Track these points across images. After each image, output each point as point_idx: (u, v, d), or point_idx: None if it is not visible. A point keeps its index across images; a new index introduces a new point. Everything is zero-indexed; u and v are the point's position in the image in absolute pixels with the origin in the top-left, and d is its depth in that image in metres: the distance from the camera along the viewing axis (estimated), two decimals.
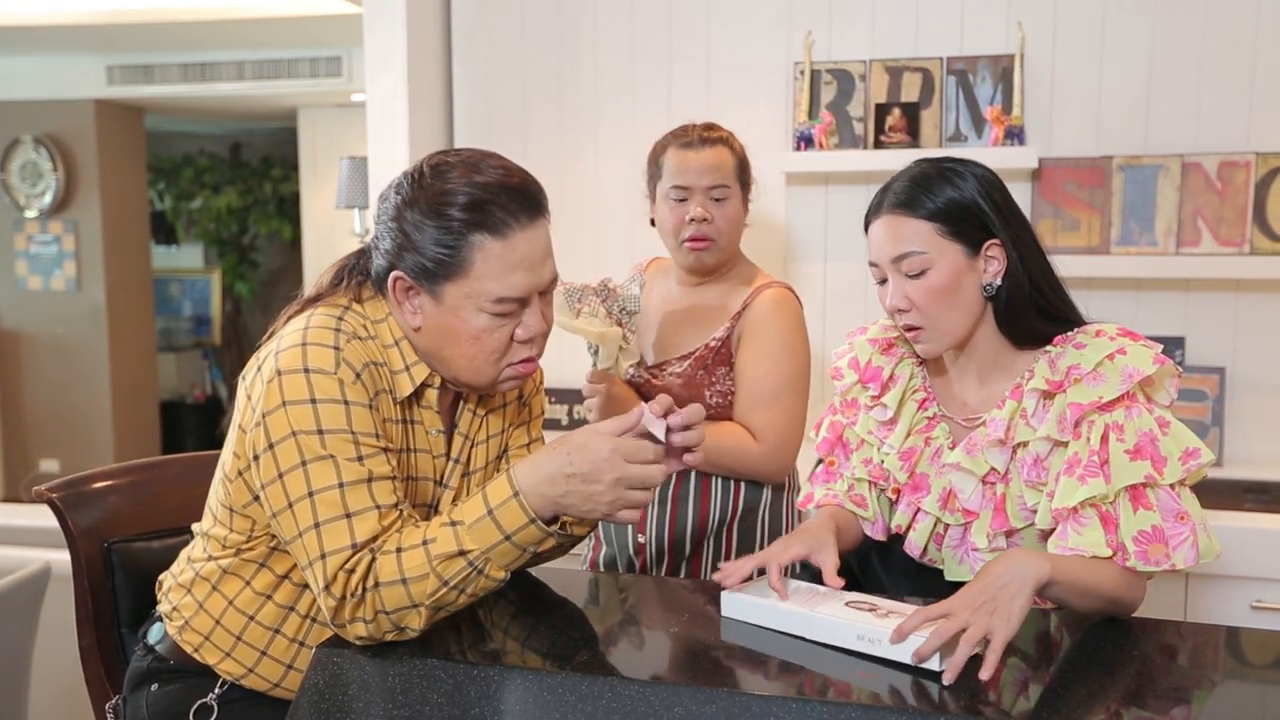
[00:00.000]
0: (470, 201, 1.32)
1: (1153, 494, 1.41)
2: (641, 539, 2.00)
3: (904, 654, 1.22)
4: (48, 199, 5.91)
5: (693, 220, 1.96)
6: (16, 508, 2.98)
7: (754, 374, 1.96)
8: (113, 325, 6.01)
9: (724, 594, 1.39)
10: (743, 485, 2.00)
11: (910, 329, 1.53)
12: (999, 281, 1.50)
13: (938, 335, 1.52)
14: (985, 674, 1.18)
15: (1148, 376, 1.45)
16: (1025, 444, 1.50)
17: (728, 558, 1.99)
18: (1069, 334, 1.52)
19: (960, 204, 1.49)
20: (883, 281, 1.55)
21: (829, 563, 1.44)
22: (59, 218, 5.95)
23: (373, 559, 1.27)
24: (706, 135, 2.01)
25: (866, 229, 1.57)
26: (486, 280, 1.33)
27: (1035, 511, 1.49)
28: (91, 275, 5.96)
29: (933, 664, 1.20)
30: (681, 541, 2.00)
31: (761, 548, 1.98)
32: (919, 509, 1.60)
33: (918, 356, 1.65)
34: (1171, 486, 1.42)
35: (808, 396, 2.00)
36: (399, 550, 1.27)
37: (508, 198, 1.33)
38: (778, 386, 1.96)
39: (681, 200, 1.98)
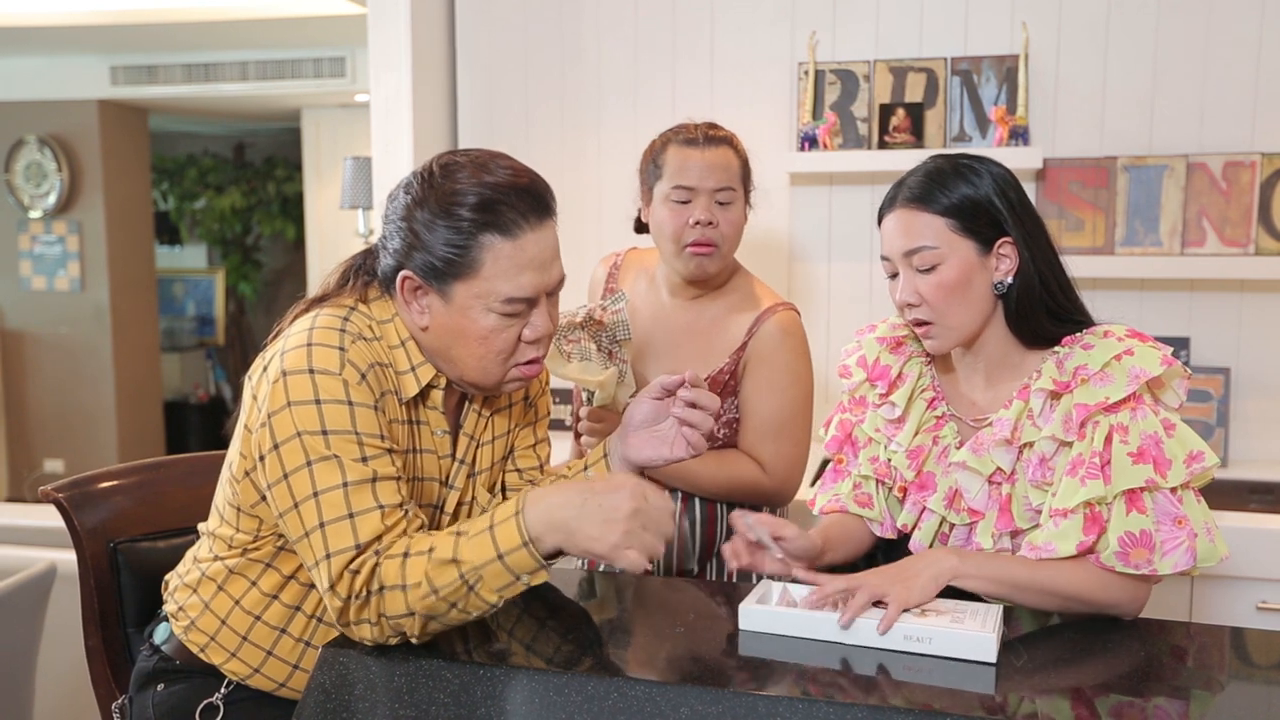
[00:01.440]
0: (480, 201, 1.32)
1: (1149, 498, 1.41)
2: (649, 565, 1.98)
3: (957, 650, 1.23)
4: (52, 199, 5.92)
5: (697, 223, 1.84)
6: (21, 507, 2.98)
7: (762, 407, 1.90)
8: (116, 325, 6.02)
9: (741, 606, 1.38)
10: (748, 505, 1.95)
11: (919, 324, 1.53)
12: (1010, 280, 1.50)
13: (946, 331, 1.52)
14: (881, 629, 1.29)
15: (1156, 378, 1.44)
16: (1031, 444, 1.50)
17: (732, 574, 1.93)
18: (1077, 334, 1.52)
19: (974, 201, 1.49)
20: (894, 276, 1.55)
21: (789, 530, 1.48)
22: (63, 218, 5.96)
23: (377, 562, 1.27)
24: (711, 134, 1.89)
25: (880, 223, 1.56)
26: (496, 280, 1.33)
27: (1040, 512, 1.49)
28: (95, 275, 5.97)
29: (987, 656, 1.21)
30: (689, 558, 1.98)
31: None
32: (925, 508, 1.60)
33: (927, 355, 1.65)
34: (1174, 490, 1.41)
35: (812, 419, 1.95)
36: (405, 555, 1.26)
37: (518, 198, 1.34)
38: (785, 417, 1.90)
39: (684, 202, 1.85)
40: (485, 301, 1.34)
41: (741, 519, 1.48)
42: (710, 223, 1.85)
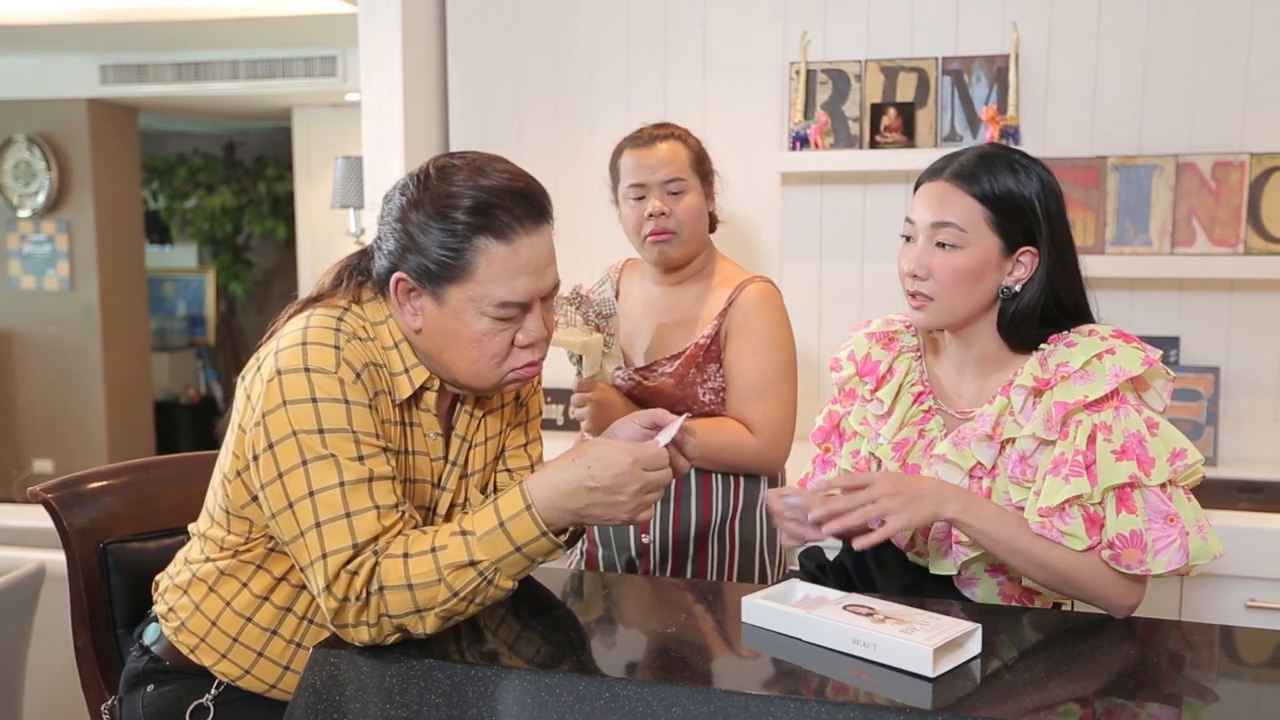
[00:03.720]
0: (475, 205, 1.32)
1: (1139, 496, 1.41)
2: (646, 539, 2.01)
3: (896, 659, 1.22)
4: (41, 198, 5.90)
5: (651, 215, 1.98)
6: (10, 508, 2.97)
7: (745, 368, 1.98)
8: (106, 325, 5.99)
9: (744, 600, 1.38)
10: (741, 481, 2.02)
11: (916, 295, 1.53)
12: (1018, 289, 1.51)
13: (939, 312, 1.52)
14: (859, 545, 1.39)
15: (1140, 378, 1.45)
16: (1013, 441, 1.51)
17: (731, 557, 2.01)
18: (1062, 332, 1.52)
19: (1017, 199, 1.49)
20: (909, 239, 1.55)
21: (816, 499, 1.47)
22: (52, 217, 5.93)
23: (376, 562, 1.27)
24: (657, 133, 2.04)
25: (917, 187, 1.56)
26: (489, 284, 1.33)
27: (1022, 509, 1.50)
28: (85, 275, 5.95)
29: (924, 669, 1.20)
30: (685, 540, 2.01)
31: (762, 543, 2.02)
32: None
33: (917, 350, 1.65)
34: (1161, 488, 1.42)
35: (797, 385, 2.03)
36: (406, 555, 1.27)
37: (513, 202, 1.33)
38: (769, 379, 1.98)
39: (640, 198, 2.00)
40: (478, 305, 1.34)
41: (778, 498, 1.49)
42: (664, 213, 1.99)
